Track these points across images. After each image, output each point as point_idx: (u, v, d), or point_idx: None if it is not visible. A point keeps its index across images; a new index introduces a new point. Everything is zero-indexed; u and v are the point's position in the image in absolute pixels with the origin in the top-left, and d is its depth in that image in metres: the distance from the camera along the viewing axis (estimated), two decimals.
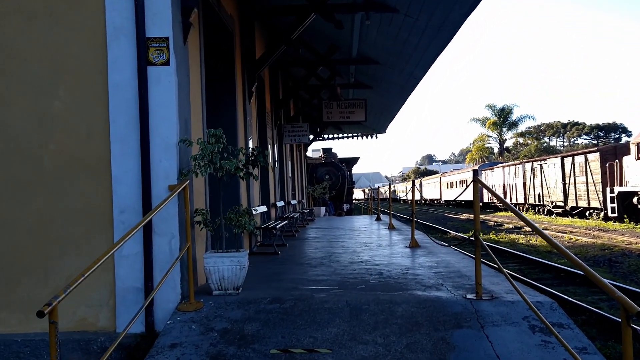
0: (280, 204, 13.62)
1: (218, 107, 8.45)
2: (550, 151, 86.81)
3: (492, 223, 27.84)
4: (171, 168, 5.36)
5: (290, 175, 17.20)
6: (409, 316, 4.90)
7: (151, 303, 5.21)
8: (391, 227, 14.86)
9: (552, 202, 30.92)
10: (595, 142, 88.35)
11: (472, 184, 5.71)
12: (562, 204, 29.52)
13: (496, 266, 5.22)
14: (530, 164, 34.50)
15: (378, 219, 19.50)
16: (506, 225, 25.95)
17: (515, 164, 37.57)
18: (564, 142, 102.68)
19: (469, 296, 5.33)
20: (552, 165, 30.83)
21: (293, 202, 16.62)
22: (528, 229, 23.19)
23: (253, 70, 9.56)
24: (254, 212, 9.23)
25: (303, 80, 14.14)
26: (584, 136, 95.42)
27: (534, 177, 33.56)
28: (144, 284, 5.28)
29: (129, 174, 5.33)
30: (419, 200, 70.38)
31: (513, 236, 20.83)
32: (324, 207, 23.80)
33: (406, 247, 10.18)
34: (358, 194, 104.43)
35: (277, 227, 9.28)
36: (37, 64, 5.44)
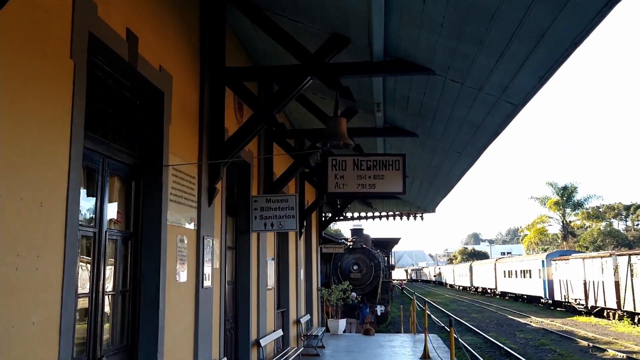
0: None
1: None
2: (616, 235, 76.68)
3: (585, 343, 19.50)
4: None
5: (271, 285, 9.84)
6: None
7: None
8: None
9: None
10: None
11: None
12: None
13: None
14: (626, 257, 26.21)
15: (426, 357, 11.84)
16: (610, 352, 17.53)
17: (602, 256, 29.11)
18: (626, 225, 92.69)
19: None
20: None
21: (269, 339, 9.13)
22: None
23: None
24: None
25: (276, 99, 6.78)
26: None
27: (632, 274, 25.22)
28: None
29: None
30: (470, 287, 61.67)
31: None
32: (344, 320, 16.15)
33: None
34: (399, 273, 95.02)
35: None
36: None
